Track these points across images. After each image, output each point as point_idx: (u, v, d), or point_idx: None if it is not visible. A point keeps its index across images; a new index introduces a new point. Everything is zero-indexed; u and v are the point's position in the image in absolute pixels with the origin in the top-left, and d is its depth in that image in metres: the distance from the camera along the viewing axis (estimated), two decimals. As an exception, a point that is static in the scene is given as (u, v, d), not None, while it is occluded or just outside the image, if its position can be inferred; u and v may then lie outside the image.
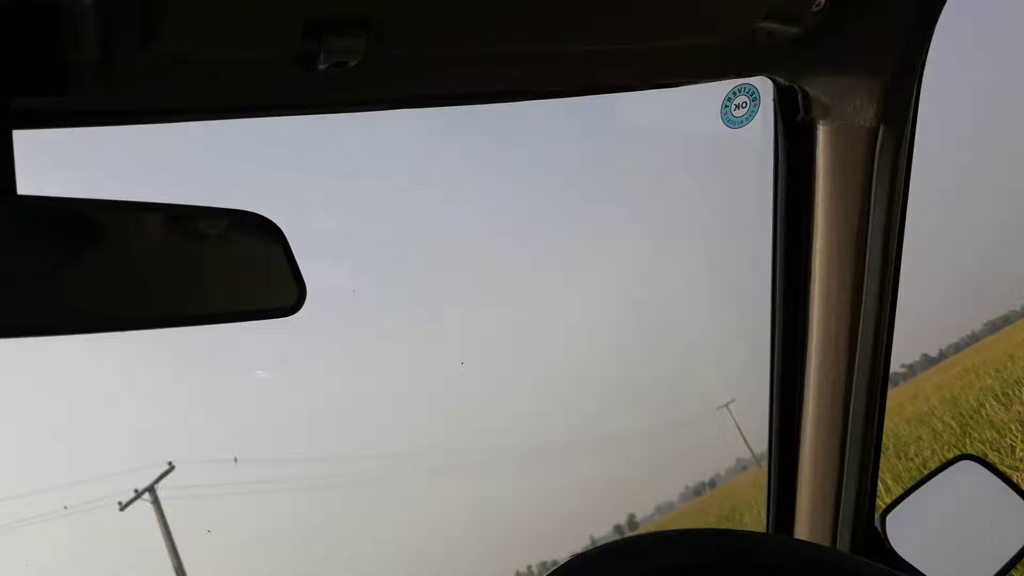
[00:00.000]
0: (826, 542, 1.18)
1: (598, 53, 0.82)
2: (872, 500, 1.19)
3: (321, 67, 0.64)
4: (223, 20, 0.58)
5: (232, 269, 0.69)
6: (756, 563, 0.70)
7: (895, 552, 1.14)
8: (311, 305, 0.70)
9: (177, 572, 20.95)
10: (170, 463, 22.21)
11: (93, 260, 0.60)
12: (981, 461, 1.24)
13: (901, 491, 1.22)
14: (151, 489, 21.71)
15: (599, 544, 0.71)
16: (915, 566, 1.12)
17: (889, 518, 1.18)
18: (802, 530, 1.21)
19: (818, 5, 0.85)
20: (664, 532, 0.70)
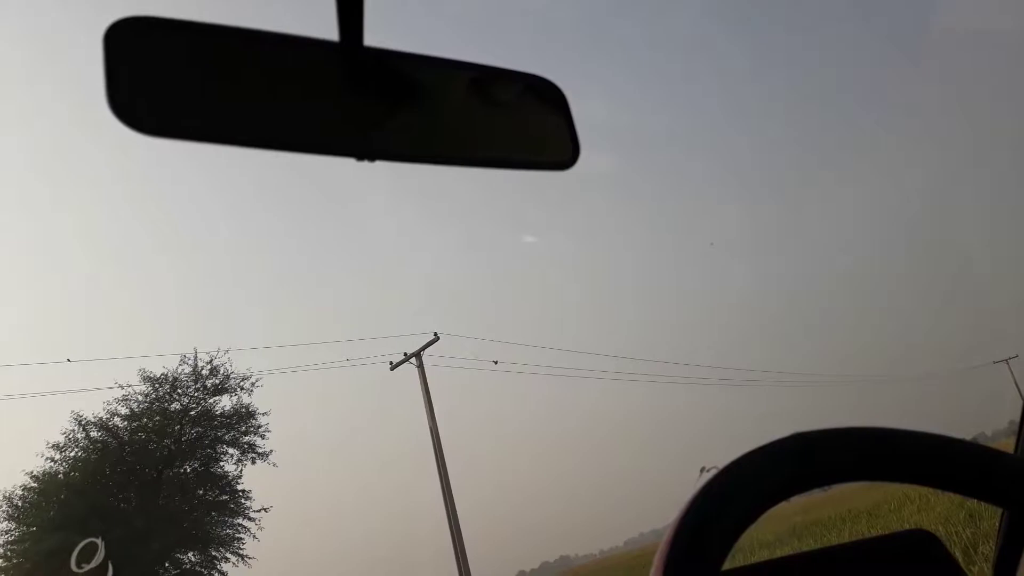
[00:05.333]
0: None
1: None
2: None
3: None
4: None
5: (520, 125, 0.80)
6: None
7: None
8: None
9: (433, 433, 23.17)
10: (436, 334, 24.33)
11: (415, 104, 0.73)
12: None
13: None
14: (418, 355, 23.94)
15: None
16: None
17: None
18: None
19: None
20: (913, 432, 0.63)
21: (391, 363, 24.75)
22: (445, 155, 0.75)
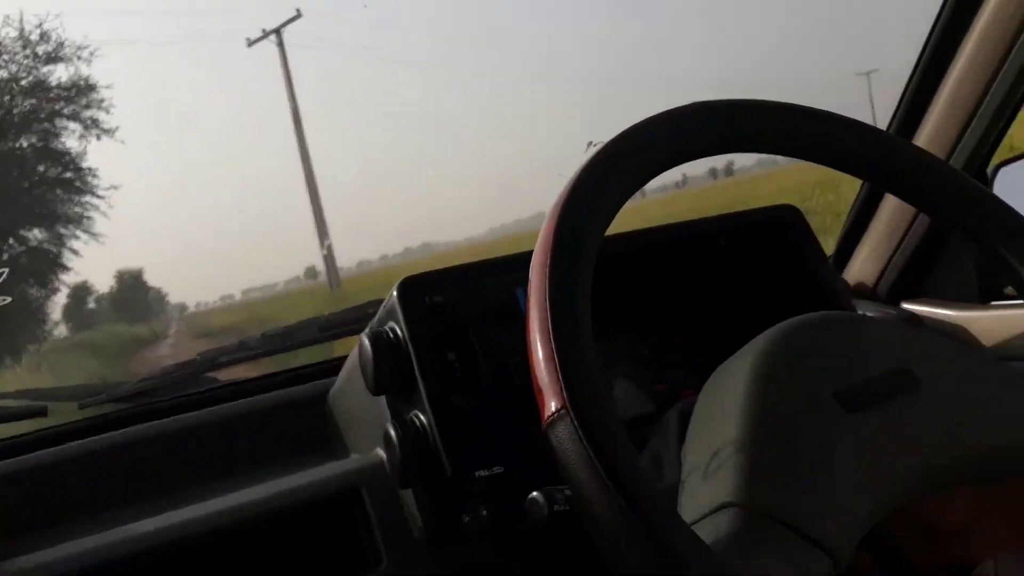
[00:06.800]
0: None
1: None
2: (993, 148, 1.13)
3: None
4: None
5: None
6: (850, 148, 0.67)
7: None
8: None
9: (294, 115, 22.29)
10: (298, 10, 22.67)
11: None
12: None
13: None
14: (277, 31, 22.26)
15: None
16: None
17: (1003, 171, 1.13)
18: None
19: None
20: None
21: (248, 39, 23.04)
22: None
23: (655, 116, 0.61)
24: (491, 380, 0.85)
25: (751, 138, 0.65)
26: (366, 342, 0.85)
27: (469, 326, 0.87)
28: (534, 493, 0.66)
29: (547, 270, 0.52)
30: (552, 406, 0.49)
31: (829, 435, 0.54)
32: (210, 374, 1.21)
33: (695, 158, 0.63)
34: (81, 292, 25.93)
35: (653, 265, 0.99)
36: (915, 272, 1.22)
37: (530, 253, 0.55)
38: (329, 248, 22.50)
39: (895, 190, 0.71)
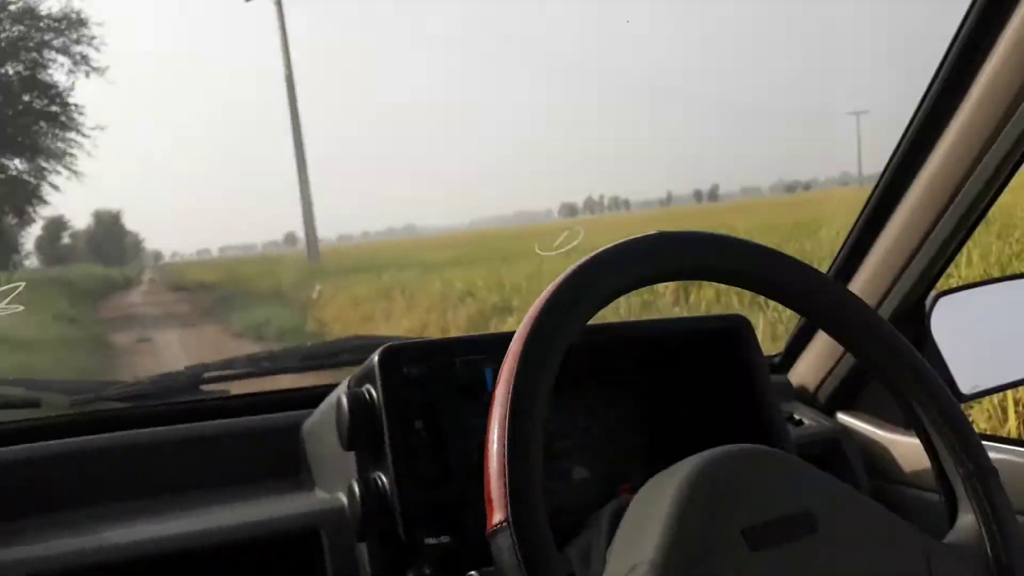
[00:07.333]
0: (874, 301, 1.21)
1: None
2: (937, 277, 1.17)
3: None
4: None
5: None
6: (787, 287, 0.75)
7: (928, 332, 1.14)
8: None
9: (287, 76, 22.15)
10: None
11: None
12: None
13: (973, 274, 1.19)
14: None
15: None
16: (939, 349, 1.14)
17: (941, 301, 1.15)
18: (858, 281, 1.24)
19: None
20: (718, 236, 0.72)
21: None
22: None
23: (616, 244, 0.68)
24: (453, 454, 0.92)
25: (698, 269, 0.73)
26: (344, 401, 0.93)
27: (440, 399, 0.94)
28: (472, 572, 0.74)
29: (510, 393, 0.59)
30: (497, 517, 0.57)
31: (732, 570, 0.61)
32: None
33: (654, 283, 0.70)
34: (57, 226, 25.56)
35: (610, 356, 1.06)
36: (853, 384, 1.30)
37: (500, 336, 0.62)
38: (311, 218, 22.51)
39: (823, 326, 0.78)
